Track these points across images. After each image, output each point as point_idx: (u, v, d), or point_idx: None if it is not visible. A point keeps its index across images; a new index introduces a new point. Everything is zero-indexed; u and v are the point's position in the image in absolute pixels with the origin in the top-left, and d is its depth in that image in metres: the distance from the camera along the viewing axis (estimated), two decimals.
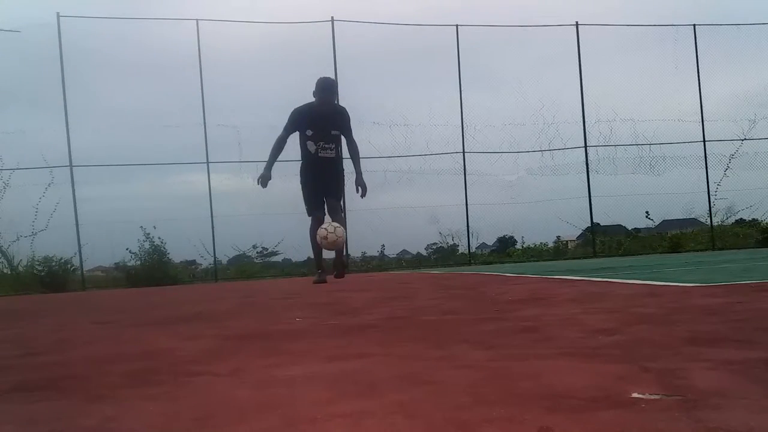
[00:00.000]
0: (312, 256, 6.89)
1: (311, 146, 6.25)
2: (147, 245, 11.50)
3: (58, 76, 11.53)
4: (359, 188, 6.44)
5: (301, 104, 6.31)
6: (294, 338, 2.27)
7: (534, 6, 29.28)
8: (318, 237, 5.98)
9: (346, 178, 6.93)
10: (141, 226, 11.51)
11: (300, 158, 6.50)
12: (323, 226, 6.02)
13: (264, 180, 6.26)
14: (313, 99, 6.28)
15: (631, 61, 13.93)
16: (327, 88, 6.25)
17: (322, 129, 6.22)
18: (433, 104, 13.04)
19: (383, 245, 14.95)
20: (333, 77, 6.54)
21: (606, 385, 1.22)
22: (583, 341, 1.81)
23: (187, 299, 5.75)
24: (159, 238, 11.57)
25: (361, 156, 6.58)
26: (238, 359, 1.83)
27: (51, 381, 1.64)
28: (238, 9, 29.87)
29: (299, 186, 6.58)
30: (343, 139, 6.52)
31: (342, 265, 6.81)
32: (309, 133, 6.22)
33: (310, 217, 6.41)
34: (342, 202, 7.35)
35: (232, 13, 20.83)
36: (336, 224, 6.02)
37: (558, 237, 16.00)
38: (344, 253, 6.71)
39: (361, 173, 6.43)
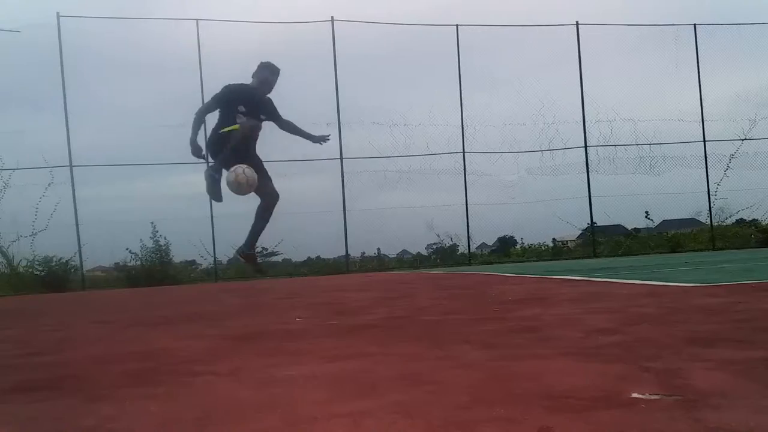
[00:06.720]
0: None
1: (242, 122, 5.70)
2: (151, 244, 11.50)
3: (58, 76, 11.50)
4: (320, 140, 6.04)
5: (236, 83, 5.90)
6: (294, 338, 2.27)
7: (534, 6, 29.21)
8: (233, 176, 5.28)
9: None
10: (151, 222, 11.54)
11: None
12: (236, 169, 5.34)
13: (197, 152, 5.63)
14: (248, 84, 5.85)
15: (631, 61, 13.92)
16: (274, 71, 5.95)
17: (254, 109, 5.86)
18: (433, 104, 13.00)
19: (380, 246, 14.92)
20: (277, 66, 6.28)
21: (606, 385, 1.22)
22: (583, 341, 1.81)
23: (187, 299, 5.74)
24: (164, 237, 11.60)
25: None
26: (238, 359, 1.83)
27: (51, 381, 1.64)
28: (238, 9, 29.88)
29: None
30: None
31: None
32: (242, 109, 5.79)
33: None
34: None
35: (232, 13, 20.88)
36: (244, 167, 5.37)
37: (558, 237, 16.00)
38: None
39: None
